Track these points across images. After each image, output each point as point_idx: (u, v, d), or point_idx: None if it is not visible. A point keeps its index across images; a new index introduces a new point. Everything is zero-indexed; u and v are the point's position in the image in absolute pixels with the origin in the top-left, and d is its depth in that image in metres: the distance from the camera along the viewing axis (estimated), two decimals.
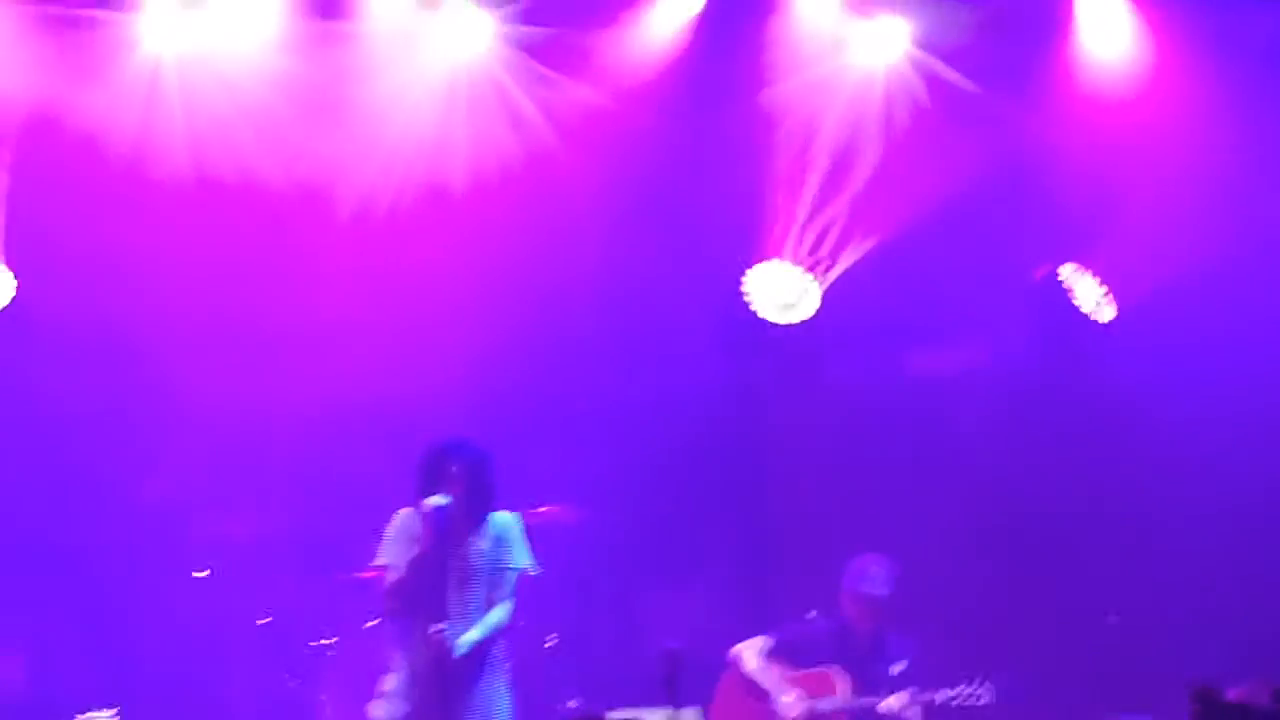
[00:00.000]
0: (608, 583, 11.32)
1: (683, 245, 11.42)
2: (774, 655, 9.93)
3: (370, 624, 10.01)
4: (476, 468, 8.39)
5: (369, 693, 9.44)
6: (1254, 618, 11.00)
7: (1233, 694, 6.29)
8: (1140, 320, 11.45)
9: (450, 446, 8.42)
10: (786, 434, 11.86)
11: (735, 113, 11.29)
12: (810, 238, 11.56)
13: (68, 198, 10.59)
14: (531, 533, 8.60)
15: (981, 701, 9.52)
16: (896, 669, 9.73)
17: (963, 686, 9.56)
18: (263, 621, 10.33)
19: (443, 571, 8.31)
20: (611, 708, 9.82)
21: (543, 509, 9.87)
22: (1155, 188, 11.16)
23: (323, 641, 10.17)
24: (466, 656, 8.28)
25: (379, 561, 8.49)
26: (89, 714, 9.60)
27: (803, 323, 11.58)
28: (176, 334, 10.87)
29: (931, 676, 9.67)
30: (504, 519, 8.47)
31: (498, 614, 8.38)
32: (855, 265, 11.56)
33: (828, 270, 11.59)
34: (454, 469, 8.34)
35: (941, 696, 9.58)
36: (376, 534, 8.57)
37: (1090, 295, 11.55)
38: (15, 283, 10.68)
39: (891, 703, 9.62)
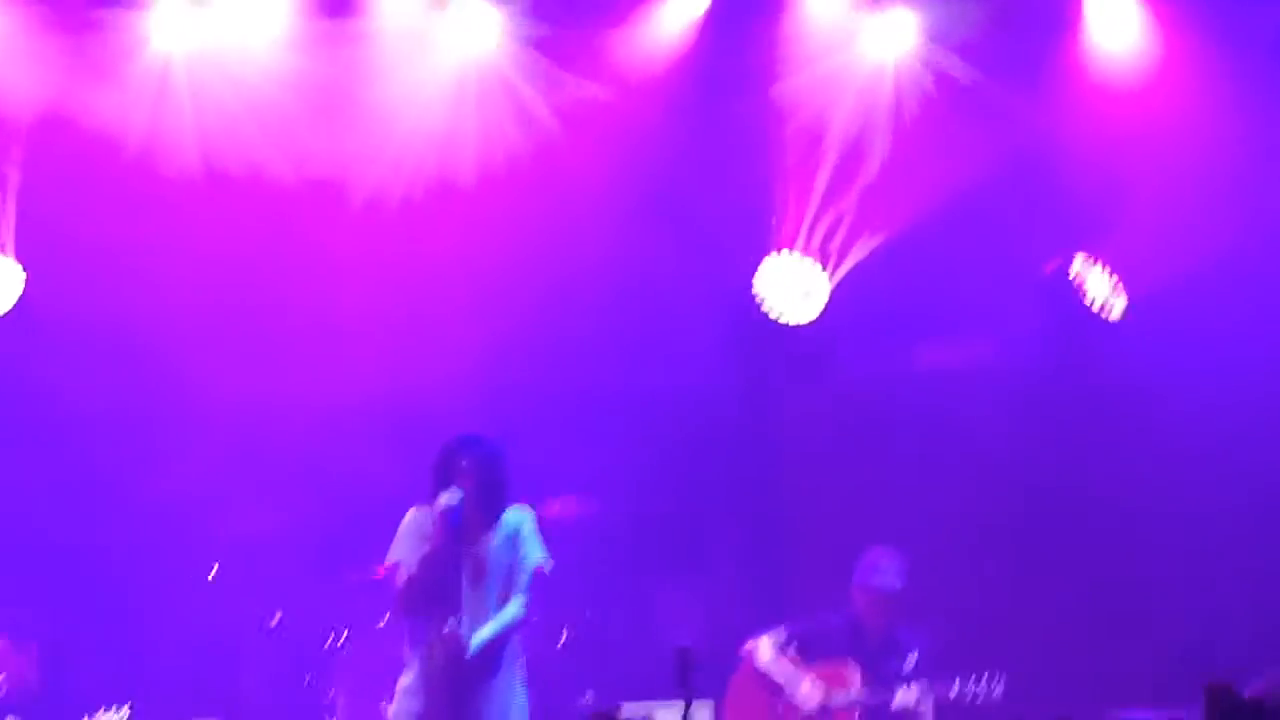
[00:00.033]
0: (620, 578, 11.33)
1: (693, 240, 11.43)
2: (786, 649, 9.94)
3: (382, 622, 10.00)
4: (488, 463, 8.38)
5: (382, 690, 9.47)
6: (1270, 611, 10.95)
7: (1248, 691, 6.27)
8: (1151, 313, 11.42)
9: (462, 442, 8.41)
10: (797, 428, 11.85)
11: (745, 108, 11.30)
12: (820, 232, 11.54)
13: (78, 195, 10.64)
14: (544, 528, 8.58)
15: (993, 694, 9.48)
16: (908, 662, 9.70)
17: (974, 679, 9.53)
18: (275, 620, 10.30)
19: (456, 568, 8.28)
20: (624, 702, 9.82)
21: (554, 504, 9.85)
22: (1165, 180, 11.14)
23: (336, 639, 10.14)
24: (481, 653, 8.26)
25: (391, 559, 8.47)
26: (102, 712, 9.59)
27: (813, 317, 11.52)
28: (187, 330, 10.89)
29: (943, 670, 9.67)
30: (517, 515, 8.46)
31: (511, 610, 8.37)
32: (865, 259, 11.52)
33: (838, 265, 11.56)
34: (466, 465, 8.32)
35: (953, 690, 9.56)
36: (389, 531, 8.54)
37: (1101, 288, 11.51)
38: (25, 277, 10.62)
39: (903, 696, 9.60)
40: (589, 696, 9.97)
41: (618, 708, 8.89)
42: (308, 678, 10.23)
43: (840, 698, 9.76)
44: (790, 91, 11.32)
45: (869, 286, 11.47)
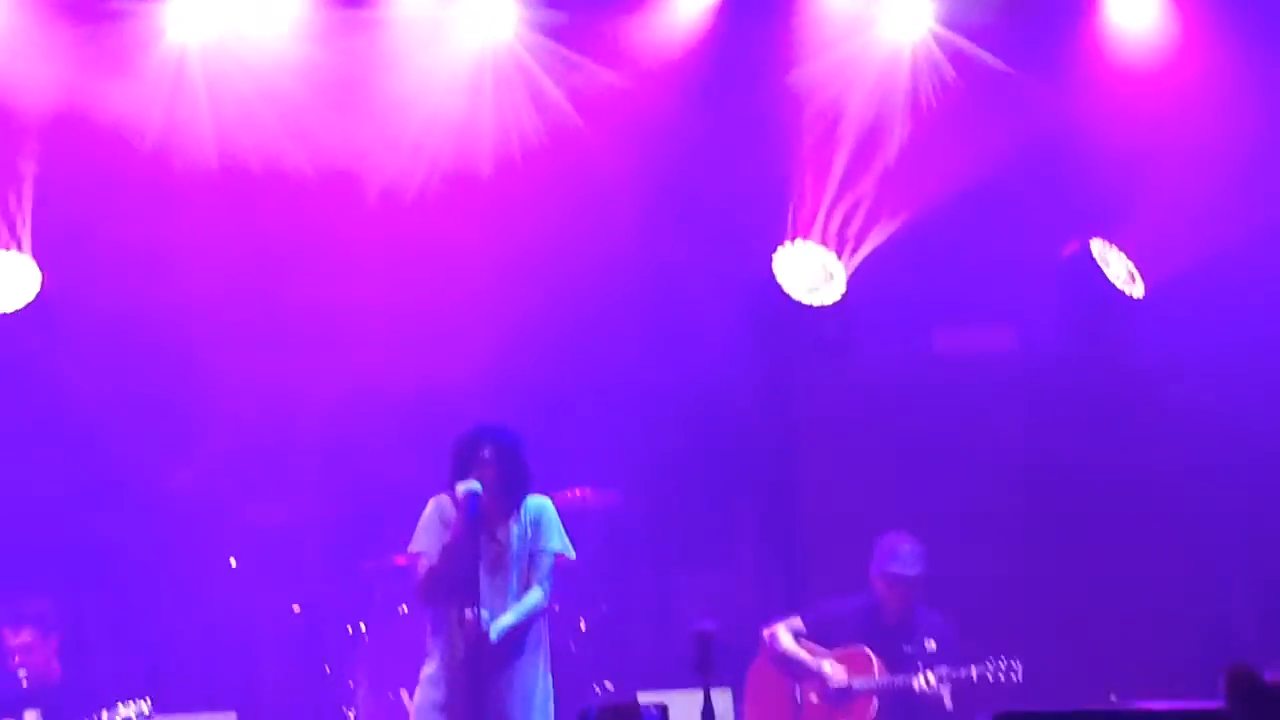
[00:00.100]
0: (639, 566, 11.32)
1: (711, 227, 11.41)
2: (806, 635, 9.97)
3: (403, 610, 9.98)
4: (509, 453, 8.42)
5: (402, 679, 9.46)
6: None
7: (1271, 676, 6.21)
8: (1170, 297, 11.38)
9: (483, 431, 8.44)
10: (815, 416, 11.82)
11: (761, 93, 11.26)
12: (838, 218, 11.48)
13: (93, 188, 10.61)
14: (564, 516, 8.58)
15: (1012, 679, 9.44)
16: (927, 647, 9.68)
17: (993, 664, 9.51)
18: (296, 609, 10.29)
19: (476, 557, 8.29)
20: (643, 690, 9.80)
21: (574, 492, 9.82)
22: (1184, 163, 11.13)
23: (355, 630, 10.12)
24: (502, 641, 8.31)
25: (413, 548, 8.53)
26: (123, 704, 9.59)
27: (831, 303, 11.47)
28: (204, 323, 10.93)
29: (962, 655, 9.68)
30: (538, 503, 8.53)
31: (533, 598, 8.42)
32: (883, 245, 11.46)
33: (855, 250, 11.50)
34: (486, 454, 8.36)
35: (972, 674, 9.53)
36: (408, 521, 8.58)
37: (1120, 272, 11.44)
38: (41, 275, 10.61)
39: (922, 681, 9.60)
40: (607, 685, 9.94)
41: (634, 697, 8.87)
42: (327, 668, 10.21)
43: (859, 683, 9.75)
44: (807, 77, 11.28)
45: (887, 272, 11.41)
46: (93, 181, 10.57)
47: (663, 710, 7.51)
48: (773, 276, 11.43)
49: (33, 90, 10.42)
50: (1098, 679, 10.48)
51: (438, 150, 10.90)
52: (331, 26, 10.68)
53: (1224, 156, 11.08)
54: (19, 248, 10.69)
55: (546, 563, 8.45)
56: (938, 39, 11.34)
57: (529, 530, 8.44)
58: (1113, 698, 9.73)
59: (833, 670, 9.85)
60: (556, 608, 8.93)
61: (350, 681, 10.19)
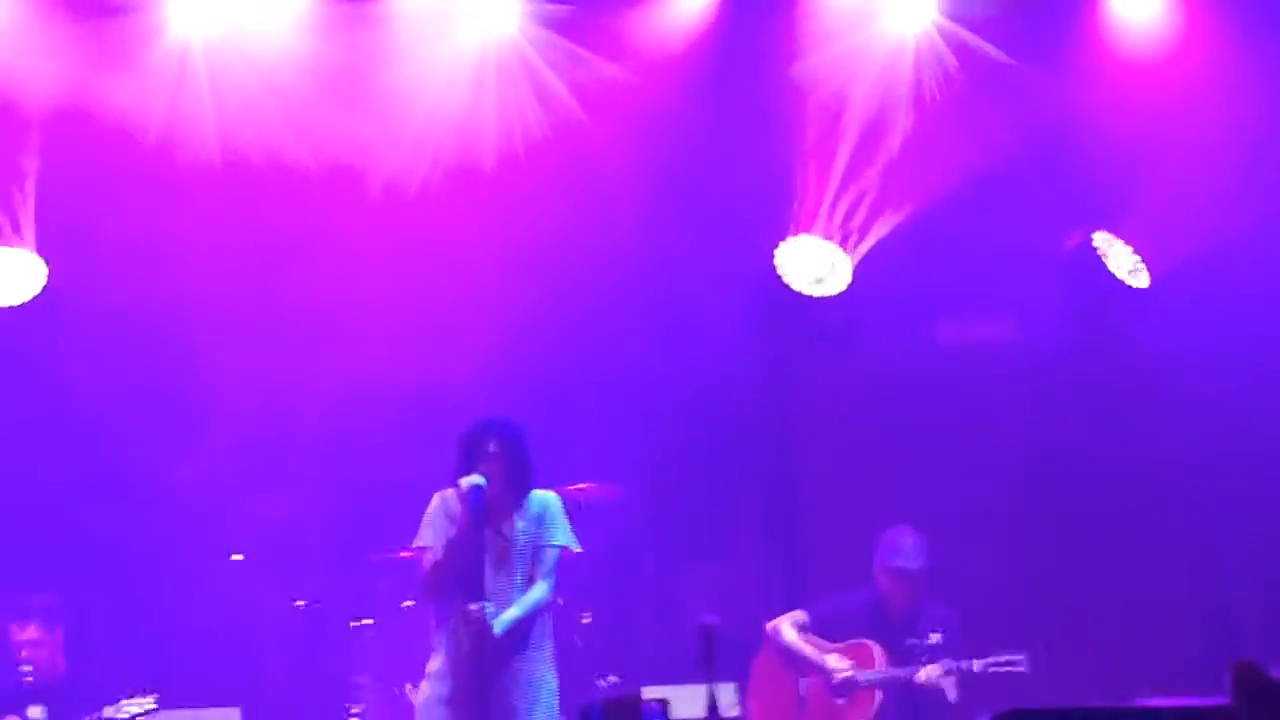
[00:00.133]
0: (643, 559, 11.30)
1: (714, 220, 11.39)
2: (809, 629, 9.98)
3: (407, 604, 9.97)
4: (514, 446, 8.45)
5: (407, 674, 9.46)
6: None
7: (1277, 672, 6.18)
8: (1174, 289, 11.35)
9: (487, 425, 8.47)
10: (819, 407, 11.80)
11: (765, 86, 11.25)
12: (841, 210, 11.46)
13: (97, 182, 10.58)
14: (569, 510, 8.60)
15: (1016, 671, 9.44)
16: (931, 640, 9.67)
17: (997, 656, 9.49)
18: (299, 604, 10.28)
19: (481, 551, 8.33)
20: (648, 684, 9.79)
21: (578, 486, 9.81)
22: (1187, 155, 11.12)
23: (360, 624, 10.11)
24: (507, 635, 8.34)
25: (418, 543, 8.58)
26: (127, 700, 9.59)
27: (835, 296, 11.45)
28: (208, 317, 10.91)
29: (966, 647, 9.66)
30: (544, 497, 8.56)
31: (537, 592, 8.45)
32: (887, 237, 11.44)
33: (859, 242, 11.48)
34: (491, 448, 8.39)
35: (976, 666, 9.51)
36: (412, 515, 8.62)
37: (1124, 262, 11.42)
38: (47, 269, 10.60)
39: (927, 673, 9.57)
40: (610, 680, 9.92)
41: (638, 692, 8.85)
42: (332, 663, 10.20)
43: (863, 676, 9.76)
44: (810, 69, 11.26)
45: (890, 265, 11.39)
46: (96, 176, 10.54)
47: (664, 705, 7.49)
48: (776, 269, 11.40)
49: (36, 85, 10.41)
50: (1100, 673, 10.48)
51: (441, 144, 10.89)
52: (334, 20, 10.69)
53: (1228, 147, 11.08)
54: (23, 242, 10.67)
55: (551, 557, 8.47)
56: (941, 31, 11.32)
57: (534, 524, 8.46)
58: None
59: (836, 664, 9.86)
60: (561, 601, 8.91)
61: (355, 677, 10.17)
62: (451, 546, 8.32)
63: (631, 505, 10.67)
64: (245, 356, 10.85)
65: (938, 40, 11.31)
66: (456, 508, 8.37)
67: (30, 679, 9.78)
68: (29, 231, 10.63)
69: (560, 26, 10.95)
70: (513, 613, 8.32)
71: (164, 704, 9.69)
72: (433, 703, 8.43)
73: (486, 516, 8.32)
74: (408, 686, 9.71)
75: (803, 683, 9.95)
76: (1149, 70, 11.28)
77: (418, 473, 9.10)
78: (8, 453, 10.68)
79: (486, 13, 10.94)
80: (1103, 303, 11.46)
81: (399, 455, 10.53)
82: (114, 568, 10.79)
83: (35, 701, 9.73)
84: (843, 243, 11.56)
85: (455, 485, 8.37)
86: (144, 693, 9.59)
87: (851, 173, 11.41)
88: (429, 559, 8.44)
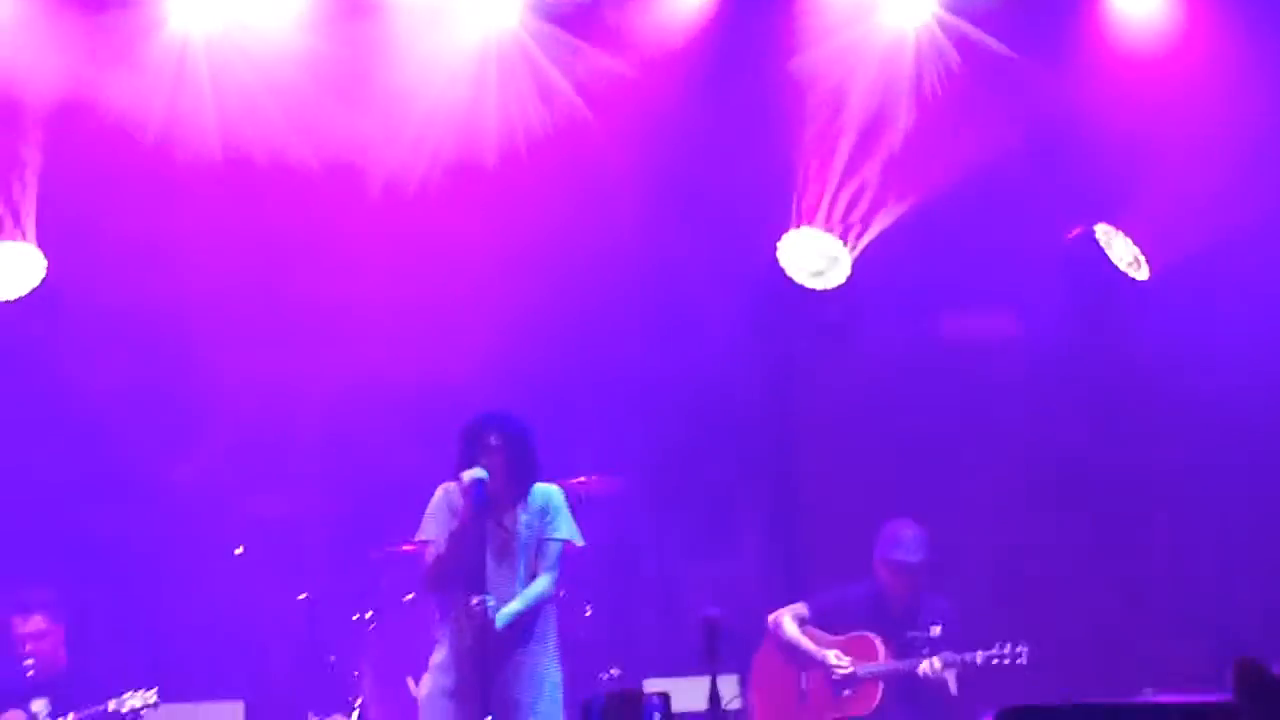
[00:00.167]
0: (645, 552, 11.30)
1: (715, 213, 11.38)
2: (810, 622, 10.00)
3: (408, 598, 9.97)
4: (516, 439, 8.47)
5: (408, 667, 9.46)
6: None
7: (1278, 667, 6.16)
8: (1176, 282, 11.36)
9: (489, 419, 8.49)
10: (820, 400, 11.80)
11: (765, 79, 11.24)
12: (842, 204, 11.44)
13: (97, 178, 10.60)
14: (572, 503, 8.65)
15: (1017, 663, 9.43)
16: (932, 633, 9.67)
17: (998, 648, 9.50)
18: (301, 597, 10.27)
19: (483, 544, 8.34)
20: (651, 677, 9.79)
21: (580, 480, 9.81)
22: (1189, 149, 11.10)
23: (361, 618, 10.11)
24: (510, 628, 8.36)
25: (421, 536, 8.60)
26: (130, 694, 9.59)
27: (835, 289, 11.44)
28: (207, 312, 10.95)
29: (967, 640, 9.66)
30: (547, 490, 8.57)
31: (539, 585, 8.47)
32: (887, 231, 11.42)
33: (860, 236, 11.46)
34: (493, 441, 8.40)
35: (977, 659, 9.53)
36: (413, 511, 8.62)
37: (1124, 256, 11.40)
38: (46, 263, 10.58)
39: (927, 666, 9.58)
40: (613, 673, 9.92)
41: (639, 685, 8.86)
42: (333, 657, 10.19)
43: (864, 669, 9.76)
44: (811, 63, 11.24)
45: (891, 258, 11.38)
46: (96, 170, 10.56)
47: (665, 699, 7.49)
48: (777, 263, 11.39)
49: (36, 80, 10.41)
50: (1101, 668, 10.46)
51: (441, 138, 10.88)
52: (334, 15, 10.69)
53: (1229, 141, 11.05)
54: (24, 237, 10.66)
55: (554, 550, 8.49)
56: (941, 24, 11.29)
57: (536, 518, 8.48)
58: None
59: (838, 657, 9.85)
60: (563, 594, 8.91)
61: (357, 670, 10.17)
62: (453, 539, 8.33)
63: (633, 499, 10.67)
64: (245, 351, 10.86)
65: (938, 34, 11.29)
66: (459, 501, 8.39)
67: (33, 673, 9.80)
68: (29, 225, 10.62)
69: (561, 20, 10.95)
70: (515, 606, 8.34)
71: (166, 698, 9.72)
72: (436, 695, 8.44)
73: (488, 510, 8.34)
74: (410, 680, 9.71)
75: (804, 676, 9.94)
76: (1150, 64, 11.26)
77: (419, 471, 9.10)
78: (11, 450, 10.68)
79: (487, 6, 10.93)
80: (1104, 296, 11.44)
81: (401, 452, 10.54)
82: (117, 563, 10.84)
83: (39, 695, 9.77)
84: (842, 237, 11.55)
85: (458, 479, 8.37)
86: (146, 686, 9.62)
87: (852, 166, 11.39)
88: (431, 552, 8.46)
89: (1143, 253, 11.44)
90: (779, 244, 11.41)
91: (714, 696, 7.80)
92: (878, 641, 9.83)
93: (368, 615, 10.14)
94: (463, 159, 10.89)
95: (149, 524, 10.81)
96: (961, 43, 11.23)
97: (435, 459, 8.68)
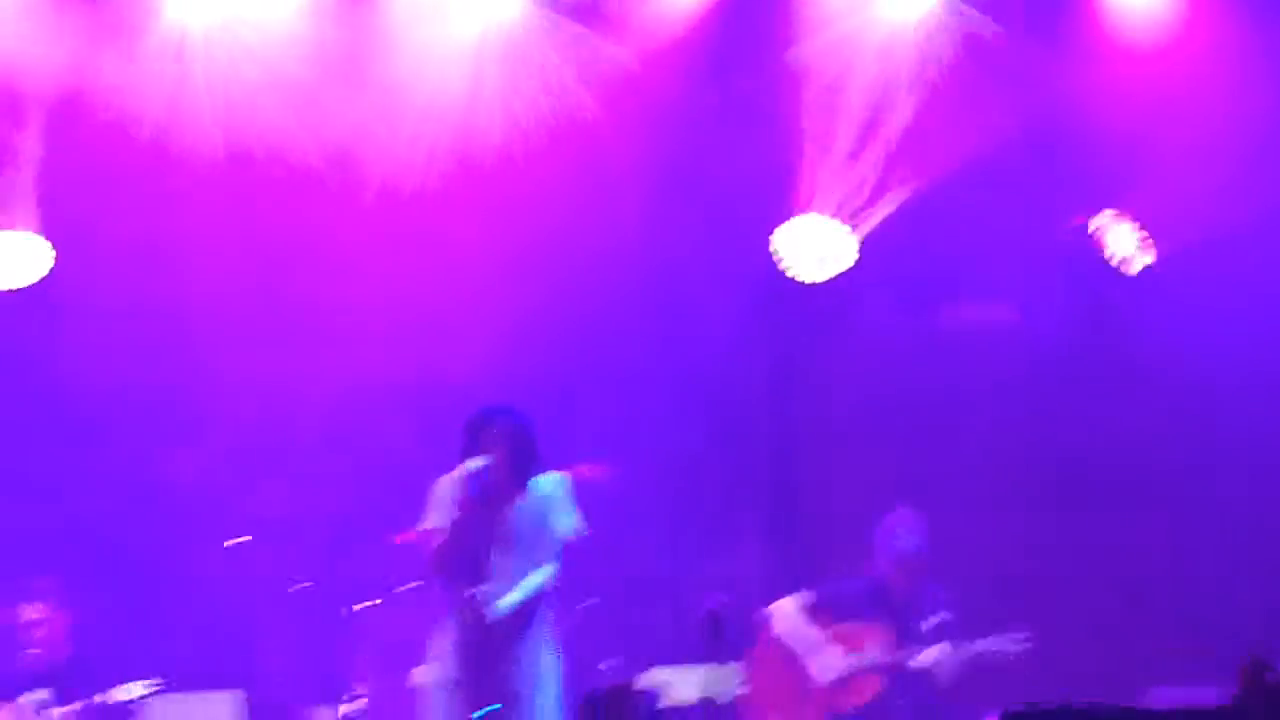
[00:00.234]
0: (647, 542, 11.29)
1: (717, 203, 11.38)
2: (811, 612, 9.94)
3: (409, 588, 9.95)
4: (518, 431, 8.47)
5: (408, 657, 9.44)
6: None
7: None
8: (1178, 272, 11.35)
9: (491, 411, 8.50)
10: (821, 390, 11.79)
11: (766, 68, 11.24)
12: (843, 194, 11.42)
13: (96, 169, 10.64)
14: (574, 494, 8.59)
15: (1018, 653, 9.43)
16: (933, 624, 9.64)
17: (999, 637, 9.48)
18: (301, 586, 10.26)
19: (485, 534, 8.36)
20: (651, 667, 9.78)
21: (581, 470, 9.77)
22: (1191, 139, 11.09)
23: (362, 606, 10.09)
24: (510, 618, 8.35)
25: (423, 526, 8.56)
26: (132, 684, 9.59)
27: (836, 279, 11.41)
28: (208, 306, 11.05)
29: (968, 629, 9.66)
30: (549, 481, 8.56)
31: (540, 575, 8.46)
32: (888, 220, 11.40)
33: (860, 225, 11.43)
34: (495, 433, 8.41)
35: (979, 648, 9.51)
36: (418, 500, 8.56)
37: (1126, 244, 11.37)
38: (54, 253, 10.56)
39: (929, 656, 9.55)
40: (610, 664, 9.90)
41: (632, 680, 8.84)
42: (335, 647, 10.18)
43: (865, 660, 9.74)
44: (811, 52, 11.23)
45: (892, 248, 11.38)
46: (95, 161, 10.61)
47: (659, 692, 7.47)
48: (778, 252, 11.35)
49: (36, 70, 10.40)
50: (1104, 666, 10.45)
51: (442, 130, 10.87)
52: (333, 5, 10.70)
53: (1231, 133, 11.06)
54: (27, 227, 10.64)
55: (556, 541, 8.48)
56: (942, 12, 11.24)
57: (538, 508, 8.48)
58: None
59: (838, 648, 9.82)
60: (564, 585, 8.88)
61: (358, 660, 10.16)
62: (455, 529, 8.34)
63: (634, 489, 10.66)
64: (246, 346, 10.97)
65: (939, 22, 11.25)
66: (460, 492, 8.36)
67: (35, 663, 9.81)
68: (32, 216, 10.59)
69: (562, 9, 10.94)
70: (514, 595, 8.34)
71: (168, 687, 9.71)
72: (437, 685, 8.43)
73: (490, 499, 8.36)
74: (409, 670, 9.70)
75: (804, 666, 9.92)
76: (1152, 55, 11.26)
77: (419, 468, 9.07)
78: (15, 444, 10.69)
79: None
80: (1105, 286, 11.42)
81: (403, 446, 10.57)
82: (119, 554, 10.89)
83: (41, 685, 9.78)
84: (845, 226, 11.51)
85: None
86: (148, 677, 9.61)
87: (853, 155, 11.39)
88: (433, 542, 8.45)
89: (1145, 239, 11.42)
90: (780, 234, 11.39)
91: (714, 686, 7.78)
92: (878, 632, 9.83)
93: (368, 605, 10.13)
94: (463, 150, 10.91)
95: (151, 516, 10.88)
96: (962, 31, 11.21)
97: (436, 456, 8.67)
